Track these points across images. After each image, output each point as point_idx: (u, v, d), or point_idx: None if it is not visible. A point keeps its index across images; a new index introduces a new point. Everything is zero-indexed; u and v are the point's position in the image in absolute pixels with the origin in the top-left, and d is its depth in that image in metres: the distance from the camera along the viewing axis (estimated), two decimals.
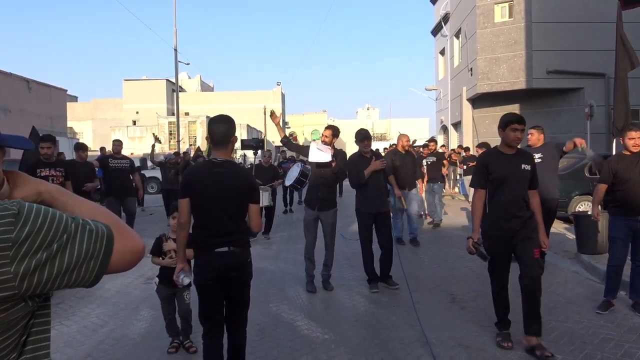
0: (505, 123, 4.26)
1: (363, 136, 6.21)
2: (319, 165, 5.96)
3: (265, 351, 4.28)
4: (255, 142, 7.82)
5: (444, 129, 26.69)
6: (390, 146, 16.32)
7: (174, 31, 24.10)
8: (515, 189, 4.21)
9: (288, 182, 6.68)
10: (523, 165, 4.22)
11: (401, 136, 8.93)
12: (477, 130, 20.86)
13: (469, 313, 5.21)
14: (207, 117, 45.78)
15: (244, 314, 3.48)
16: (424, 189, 10.15)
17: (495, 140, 8.85)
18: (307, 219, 6.15)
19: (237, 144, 4.45)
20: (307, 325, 4.92)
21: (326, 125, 6.26)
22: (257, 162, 9.85)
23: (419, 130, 63.28)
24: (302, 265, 7.65)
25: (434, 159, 11.25)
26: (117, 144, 9.55)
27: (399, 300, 5.66)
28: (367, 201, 6.16)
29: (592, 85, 17.44)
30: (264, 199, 9.35)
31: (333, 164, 5.84)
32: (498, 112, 20.26)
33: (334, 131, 6.11)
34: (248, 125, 43.02)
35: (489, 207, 4.34)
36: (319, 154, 5.82)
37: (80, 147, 8.52)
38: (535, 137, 6.77)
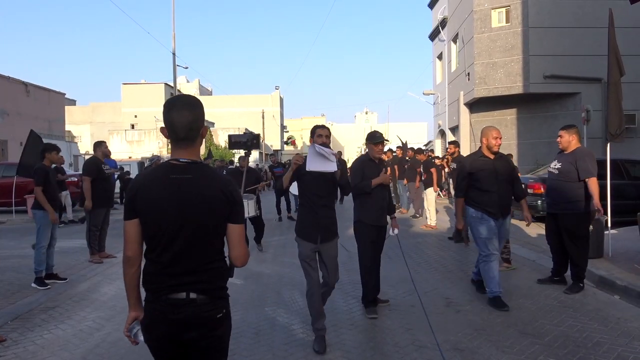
0: None
1: (379, 139, 5.31)
2: (316, 175, 4.39)
3: (260, 355, 4.29)
4: (248, 138, 4.93)
5: (442, 133, 26.76)
6: (389, 151, 16.10)
7: (172, 35, 24.17)
8: None
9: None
10: None
11: (489, 131, 5.75)
12: (474, 135, 20.91)
13: (463, 317, 5.23)
14: (206, 121, 45.83)
15: None
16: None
17: None
18: (305, 253, 4.51)
19: (217, 141, 3.86)
20: (303, 329, 4.94)
21: (317, 125, 4.80)
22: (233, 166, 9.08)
23: (417, 134, 63.40)
24: (299, 268, 7.63)
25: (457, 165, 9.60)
26: (106, 145, 8.63)
27: (394, 304, 5.68)
28: (371, 213, 5.31)
29: (588, 90, 17.52)
30: (249, 208, 8.22)
31: (337, 173, 4.43)
32: (495, 116, 20.35)
33: (329, 133, 4.87)
34: (246, 129, 43.07)
35: None
36: (322, 161, 4.24)
37: (50, 149, 7.27)
38: (565, 140, 6.18)
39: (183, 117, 2.16)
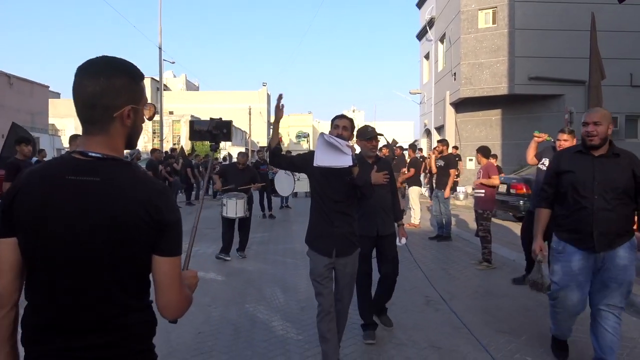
0: None
1: (372, 135, 4.48)
2: (326, 173, 3.59)
3: (239, 351, 4.29)
4: (215, 126, 3.43)
5: (427, 133, 26.89)
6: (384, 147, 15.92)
7: (159, 29, 24.00)
8: None
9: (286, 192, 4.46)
10: None
11: (585, 115, 3.75)
12: (460, 135, 21.06)
13: (443, 315, 5.27)
14: (192, 116, 45.67)
15: None
16: None
17: (476, 144, 8.99)
18: (317, 271, 3.69)
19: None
20: (283, 326, 4.95)
21: (338, 115, 3.98)
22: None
23: (404, 133, 63.70)
24: (282, 265, 7.71)
25: (442, 162, 10.14)
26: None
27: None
28: (365, 221, 4.47)
29: (572, 92, 17.72)
30: (238, 208, 7.93)
31: (355, 170, 3.52)
32: (480, 116, 20.52)
33: (352, 124, 3.97)
34: (233, 126, 43.01)
35: None
36: (333, 154, 3.41)
37: (22, 141, 7.00)
38: (570, 144, 5.71)
39: (83, 87, 1.44)
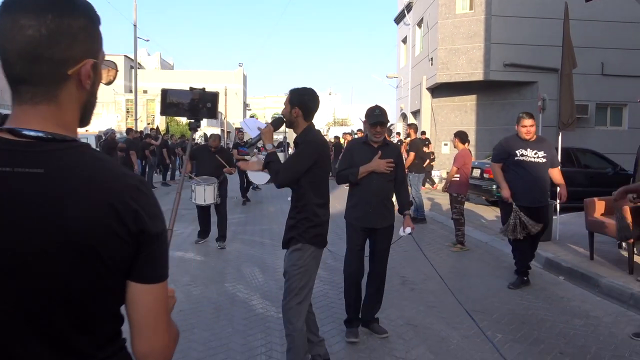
0: None
1: (376, 120, 4.17)
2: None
3: (220, 328, 4.38)
4: (196, 98, 2.51)
5: (404, 117, 27.08)
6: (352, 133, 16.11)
7: (134, 6, 23.51)
8: None
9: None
10: None
11: None
12: (435, 119, 21.28)
13: (418, 294, 5.44)
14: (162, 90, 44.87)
15: None
16: None
17: (451, 129, 9.15)
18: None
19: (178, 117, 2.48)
20: (262, 304, 5.04)
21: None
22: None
23: None
24: (260, 246, 7.79)
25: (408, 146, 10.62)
26: None
27: None
28: (356, 210, 4.25)
29: (545, 79, 18.02)
30: (207, 195, 7.25)
31: (260, 149, 3.22)
32: (456, 102, 20.75)
33: (293, 97, 3.28)
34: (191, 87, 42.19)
35: None
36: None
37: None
38: (534, 129, 5.72)
39: (18, 30, 0.92)
